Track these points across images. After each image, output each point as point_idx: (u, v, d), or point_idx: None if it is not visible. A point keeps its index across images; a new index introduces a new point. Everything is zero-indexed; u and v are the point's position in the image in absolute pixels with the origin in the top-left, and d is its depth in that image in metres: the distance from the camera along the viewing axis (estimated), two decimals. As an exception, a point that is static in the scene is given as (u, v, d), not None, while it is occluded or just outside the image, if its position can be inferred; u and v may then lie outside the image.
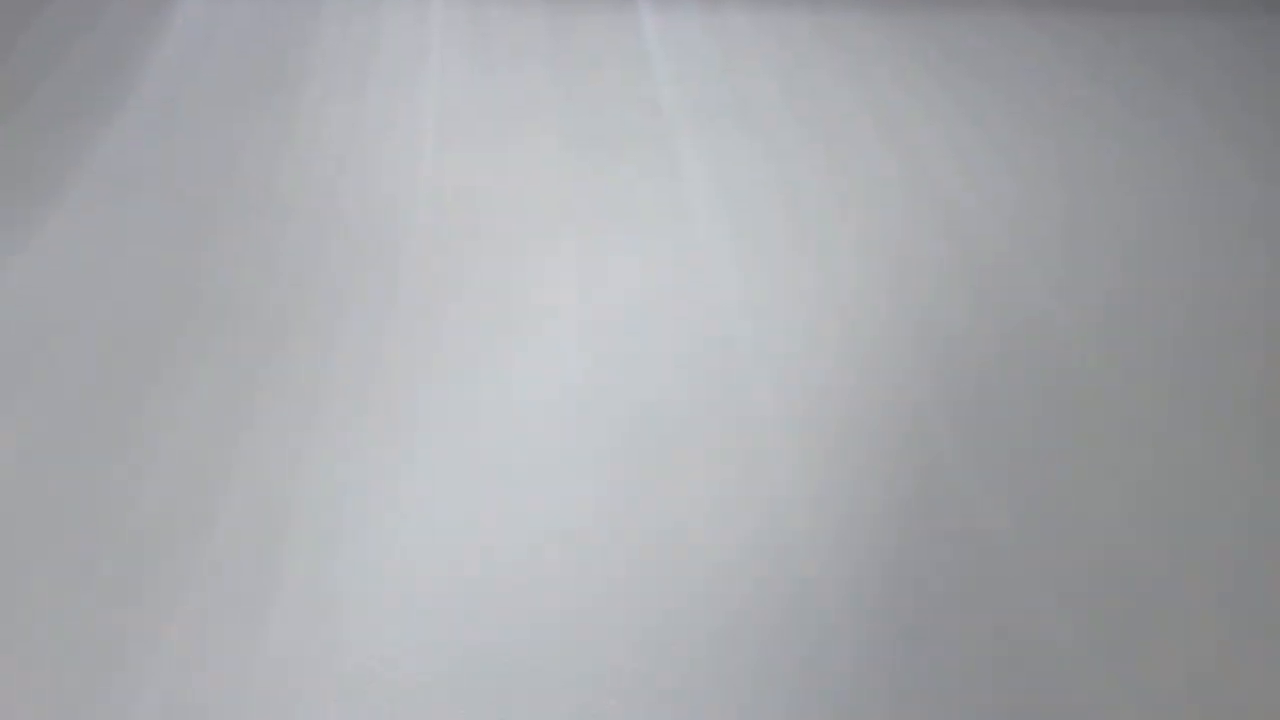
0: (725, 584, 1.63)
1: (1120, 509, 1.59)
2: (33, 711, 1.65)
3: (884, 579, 1.60)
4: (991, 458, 1.63)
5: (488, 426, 1.76)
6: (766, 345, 1.72)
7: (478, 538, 1.71)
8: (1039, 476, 1.62)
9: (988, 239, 1.73)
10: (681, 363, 1.73)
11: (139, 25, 1.96)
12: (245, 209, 1.90)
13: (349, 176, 1.91)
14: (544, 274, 1.82)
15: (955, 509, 1.61)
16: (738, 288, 1.76)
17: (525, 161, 1.87)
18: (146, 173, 1.93)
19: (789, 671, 1.58)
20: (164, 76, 1.94)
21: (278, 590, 1.73)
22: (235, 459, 1.81)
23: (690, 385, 1.72)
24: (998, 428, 1.64)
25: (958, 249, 1.74)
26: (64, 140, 1.93)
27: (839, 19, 1.85)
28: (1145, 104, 1.81)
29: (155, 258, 1.89)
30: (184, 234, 1.90)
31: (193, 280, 1.90)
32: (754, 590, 1.61)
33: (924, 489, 1.63)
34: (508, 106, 1.89)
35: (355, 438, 1.79)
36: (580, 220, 1.84)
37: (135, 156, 1.95)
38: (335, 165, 1.91)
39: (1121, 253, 1.73)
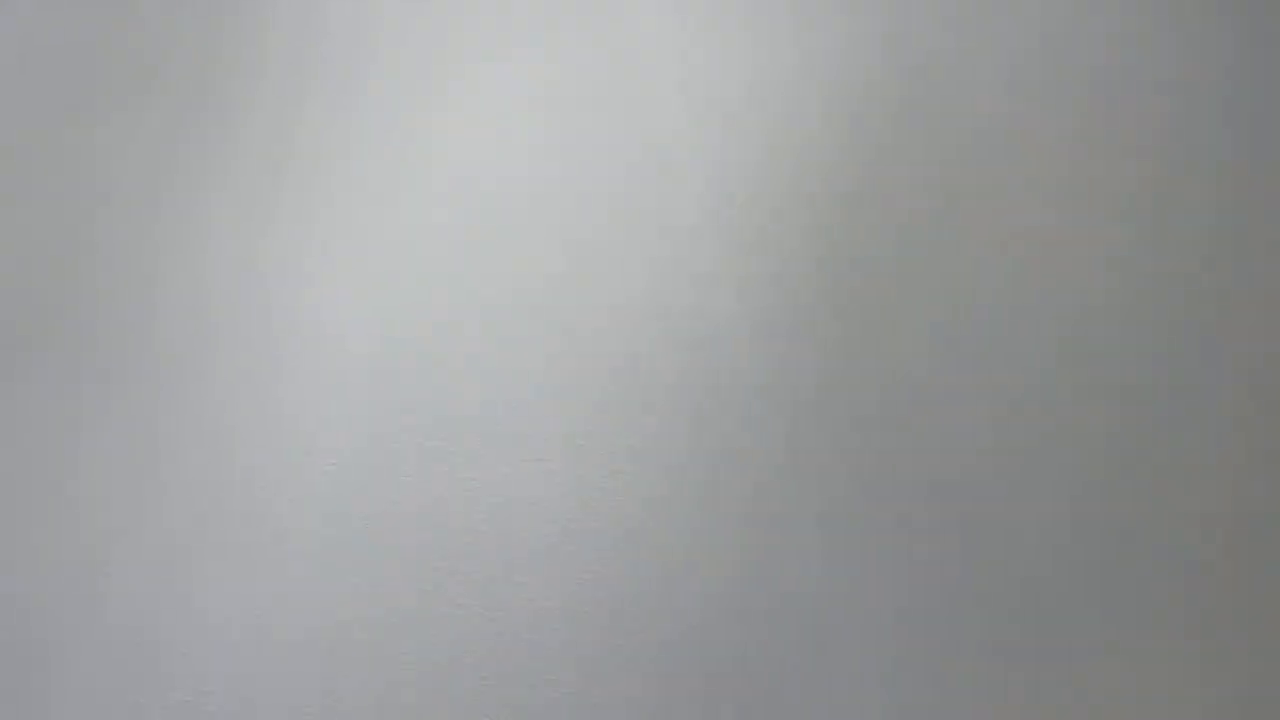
0: (649, 366, 1.68)
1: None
2: None
3: (802, 368, 1.64)
4: (912, 250, 1.65)
5: (408, 197, 1.79)
6: (699, 134, 1.75)
7: (402, 300, 1.75)
8: (964, 270, 1.65)
9: (931, 45, 1.73)
10: (615, 150, 1.76)
11: None
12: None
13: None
14: (476, 51, 1.84)
15: (878, 299, 1.65)
16: (675, 76, 1.77)
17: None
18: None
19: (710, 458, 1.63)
20: None
21: (211, 353, 1.77)
22: (157, 224, 1.84)
23: (624, 170, 1.75)
24: (921, 224, 1.67)
25: (896, 45, 1.74)
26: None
27: None
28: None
29: (74, 26, 1.91)
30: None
31: (110, 47, 1.92)
32: (679, 372, 1.66)
33: (845, 277, 1.66)
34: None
35: (273, 208, 1.82)
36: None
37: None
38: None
39: (1087, 66, 1.71)
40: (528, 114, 1.81)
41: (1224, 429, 1.54)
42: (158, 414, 1.75)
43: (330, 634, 1.63)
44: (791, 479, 1.61)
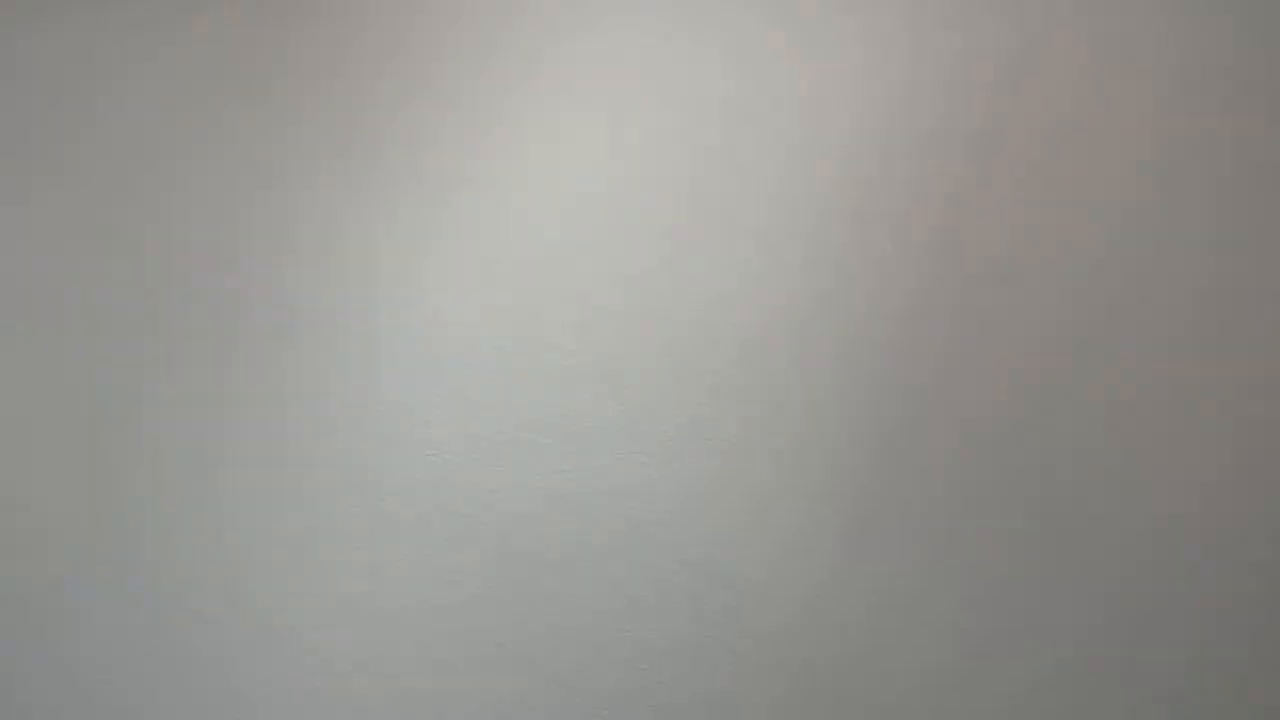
0: (745, 364, 1.70)
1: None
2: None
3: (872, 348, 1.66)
4: (977, 244, 1.65)
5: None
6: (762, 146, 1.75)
7: (502, 297, 1.81)
8: (1016, 252, 1.64)
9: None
10: (703, 155, 1.77)
11: None
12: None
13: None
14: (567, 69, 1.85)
15: (930, 298, 1.66)
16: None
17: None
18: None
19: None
20: None
21: (320, 351, 1.89)
22: (276, 226, 1.94)
23: (710, 173, 1.75)
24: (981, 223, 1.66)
25: (961, 65, 1.71)
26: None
27: None
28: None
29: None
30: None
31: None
32: (777, 371, 1.68)
33: (897, 272, 1.67)
34: None
35: (381, 204, 1.88)
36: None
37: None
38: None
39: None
40: (624, 126, 1.81)
41: (1235, 419, 1.55)
42: (289, 409, 1.87)
43: (434, 614, 1.75)
44: (895, 489, 1.62)
